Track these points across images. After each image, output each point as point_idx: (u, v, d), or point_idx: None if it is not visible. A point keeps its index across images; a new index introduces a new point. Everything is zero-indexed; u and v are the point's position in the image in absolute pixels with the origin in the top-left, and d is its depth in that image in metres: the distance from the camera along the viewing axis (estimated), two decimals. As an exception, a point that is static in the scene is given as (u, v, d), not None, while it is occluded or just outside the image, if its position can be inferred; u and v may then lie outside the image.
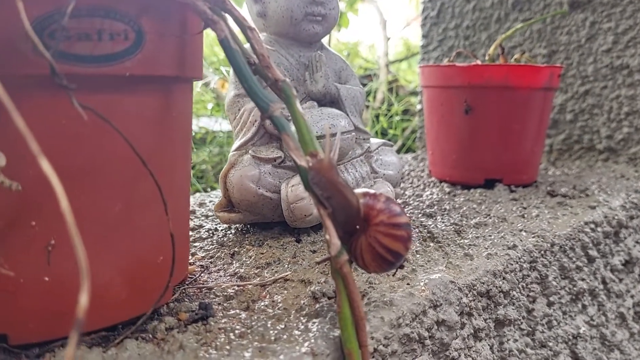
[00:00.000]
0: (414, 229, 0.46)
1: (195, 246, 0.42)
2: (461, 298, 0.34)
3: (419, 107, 0.99)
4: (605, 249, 0.53)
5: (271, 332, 0.27)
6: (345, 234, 0.27)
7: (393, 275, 0.34)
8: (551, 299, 0.44)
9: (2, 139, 0.22)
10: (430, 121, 0.69)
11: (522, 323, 0.41)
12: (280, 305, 0.30)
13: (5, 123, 0.21)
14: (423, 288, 0.32)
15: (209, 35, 1.08)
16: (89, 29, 0.22)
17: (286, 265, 0.37)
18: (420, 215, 0.51)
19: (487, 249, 0.41)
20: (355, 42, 1.73)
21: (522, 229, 0.46)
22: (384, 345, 0.28)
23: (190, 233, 0.45)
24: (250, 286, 0.33)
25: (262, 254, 0.39)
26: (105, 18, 0.23)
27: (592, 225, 0.51)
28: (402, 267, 0.28)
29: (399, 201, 0.57)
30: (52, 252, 0.23)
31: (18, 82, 0.22)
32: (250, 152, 0.42)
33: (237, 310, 0.30)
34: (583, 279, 0.49)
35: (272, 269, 0.36)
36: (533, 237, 0.44)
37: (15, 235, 0.23)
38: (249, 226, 0.46)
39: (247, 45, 0.32)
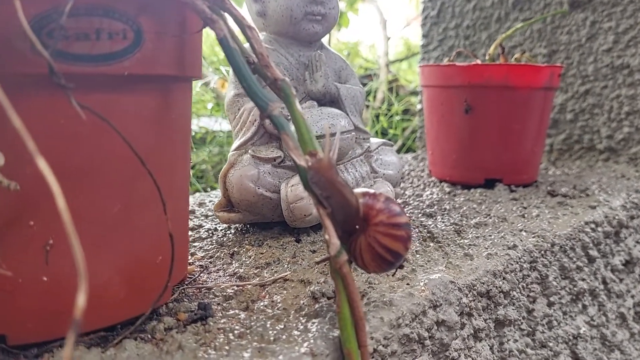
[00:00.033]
0: (414, 228, 0.46)
1: (195, 246, 0.42)
2: (461, 298, 0.34)
3: (419, 106, 0.99)
4: (606, 249, 0.53)
5: (270, 332, 0.27)
6: (344, 233, 0.26)
7: (393, 275, 0.34)
8: (551, 299, 0.44)
9: (0, 139, 0.22)
10: (430, 121, 0.69)
11: (522, 323, 0.41)
12: (280, 305, 0.30)
13: (3, 122, 0.21)
14: (423, 288, 0.32)
15: (209, 35, 1.08)
16: (87, 28, 0.22)
17: (286, 265, 0.37)
18: (420, 215, 0.51)
19: (487, 249, 0.41)
20: (355, 42, 1.73)
21: (522, 229, 0.46)
22: (383, 346, 0.28)
23: (190, 233, 0.45)
24: (249, 286, 0.33)
25: (261, 254, 0.39)
26: (104, 17, 0.23)
27: (593, 225, 0.51)
28: (401, 267, 0.28)
29: (399, 201, 0.57)
30: (51, 251, 0.23)
31: (16, 81, 0.22)
32: (249, 151, 0.42)
33: (237, 311, 0.30)
34: (583, 279, 0.48)
35: (272, 269, 0.36)
36: (533, 237, 0.44)
37: (14, 235, 0.23)
38: (248, 226, 0.46)
39: (246, 45, 0.31)
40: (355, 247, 0.26)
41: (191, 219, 0.49)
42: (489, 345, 0.38)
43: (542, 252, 0.43)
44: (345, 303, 0.25)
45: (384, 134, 1.31)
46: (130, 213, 0.26)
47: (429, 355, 0.32)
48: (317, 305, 0.30)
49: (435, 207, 0.54)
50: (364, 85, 1.32)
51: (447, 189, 0.63)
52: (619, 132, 0.79)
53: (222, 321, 0.28)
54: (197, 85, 0.99)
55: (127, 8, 0.23)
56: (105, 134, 0.24)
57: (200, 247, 0.42)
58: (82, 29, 0.22)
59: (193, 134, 1.07)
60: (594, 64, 0.80)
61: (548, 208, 0.54)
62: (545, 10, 0.83)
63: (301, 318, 0.29)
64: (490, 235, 0.44)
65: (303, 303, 0.30)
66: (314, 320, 0.28)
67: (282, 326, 0.28)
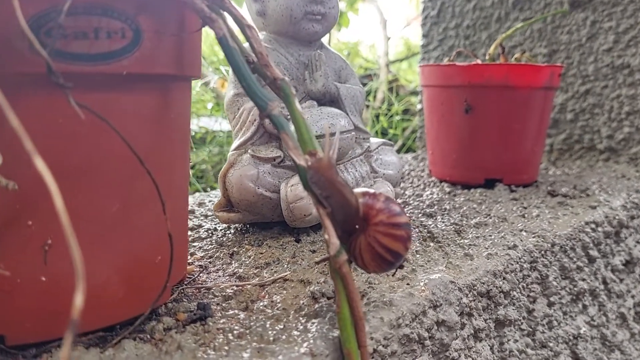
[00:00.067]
0: (414, 228, 0.46)
1: (194, 246, 0.42)
2: (461, 298, 0.34)
3: (419, 106, 0.99)
4: (606, 249, 0.52)
5: (270, 332, 0.27)
6: (344, 233, 0.26)
7: (392, 275, 0.34)
8: (552, 299, 0.44)
9: (-2, 138, 0.22)
10: (431, 121, 0.69)
11: (522, 323, 0.41)
12: (279, 305, 0.30)
13: (1, 122, 0.21)
14: (423, 288, 0.32)
15: (208, 34, 1.08)
16: (85, 27, 0.22)
17: (285, 265, 0.37)
18: (420, 215, 0.51)
19: (487, 249, 0.41)
20: (355, 42, 1.73)
21: (522, 229, 0.46)
22: (383, 346, 0.28)
23: (189, 233, 0.45)
24: (249, 286, 0.33)
25: (261, 253, 0.39)
26: (103, 16, 0.23)
27: (593, 225, 0.50)
28: (401, 267, 0.28)
29: (399, 201, 0.57)
30: (49, 251, 0.23)
31: (14, 81, 0.21)
32: (249, 151, 0.42)
33: (236, 311, 0.30)
34: (584, 279, 0.48)
35: (271, 269, 0.36)
36: (533, 237, 0.44)
37: (12, 235, 0.23)
38: (248, 226, 0.46)
39: (246, 44, 0.31)
40: (355, 247, 0.26)
41: (191, 219, 0.49)
42: (489, 345, 0.38)
43: (543, 252, 0.43)
44: (345, 303, 0.25)
45: (384, 133, 1.31)
46: (129, 212, 0.26)
47: (429, 355, 0.31)
48: (316, 306, 0.30)
49: (435, 207, 0.54)
50: (364, 85, 1.32)
51: (447, 189, 0.63)
52: (620, 132, 0.79)
53: (221, 321, 0.28)
54: (197, 85, 0.99)
55: (126, 7, 0.23)
56: (103, 133, 0.24)
57: (200, 247, 0.41)
58: (80, 28, 0.22)
59: (193, 133, 1.07)
60: (594, 64, 0.80)
61: (548, 208, 0.54)
62: (545, 10, 0.83)
63: (301, 318, 0.29)
64: (490, 235, 0.44)
65: (303, 303, 0.30)
66: (313, 321, 0.28)
67: (281, 326, 0.28)
